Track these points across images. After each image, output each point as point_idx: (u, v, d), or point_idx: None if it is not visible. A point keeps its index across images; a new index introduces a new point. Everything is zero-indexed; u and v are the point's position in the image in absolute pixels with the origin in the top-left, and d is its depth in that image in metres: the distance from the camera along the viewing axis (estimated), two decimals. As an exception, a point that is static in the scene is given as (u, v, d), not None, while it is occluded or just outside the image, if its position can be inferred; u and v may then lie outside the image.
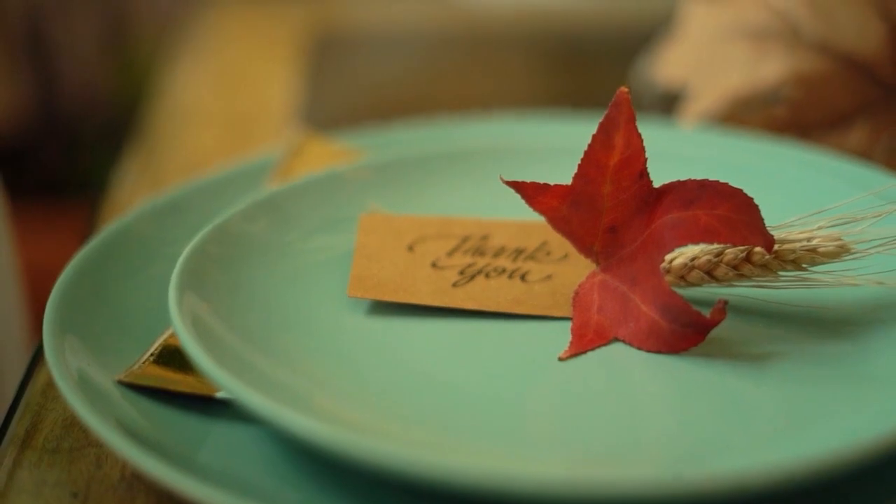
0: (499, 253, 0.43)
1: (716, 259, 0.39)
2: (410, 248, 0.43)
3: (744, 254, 0.39)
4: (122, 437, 0.33)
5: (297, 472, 0.34)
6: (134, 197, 0.56)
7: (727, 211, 0.37)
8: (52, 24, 1.55)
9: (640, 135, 0.38)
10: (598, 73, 0.77)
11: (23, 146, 1.53)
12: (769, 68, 0.51)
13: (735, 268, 0.39)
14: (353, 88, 0.76)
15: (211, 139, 0.67)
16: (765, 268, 0.39)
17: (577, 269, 0.42)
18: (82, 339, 0.38)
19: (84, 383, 0.36)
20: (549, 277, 0.42)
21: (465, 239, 0.44)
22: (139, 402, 0.36)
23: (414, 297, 0.40)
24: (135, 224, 0.44)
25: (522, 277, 0.42)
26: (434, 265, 0.42)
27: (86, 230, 0.52)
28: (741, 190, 0.37)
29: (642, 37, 0.66)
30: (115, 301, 0.41)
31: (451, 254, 0.43)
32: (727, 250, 0.39)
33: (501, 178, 0.39)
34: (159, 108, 0.73)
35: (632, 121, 0.38)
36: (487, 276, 0.42)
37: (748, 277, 0.39)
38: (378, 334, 0.39)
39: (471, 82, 0.78)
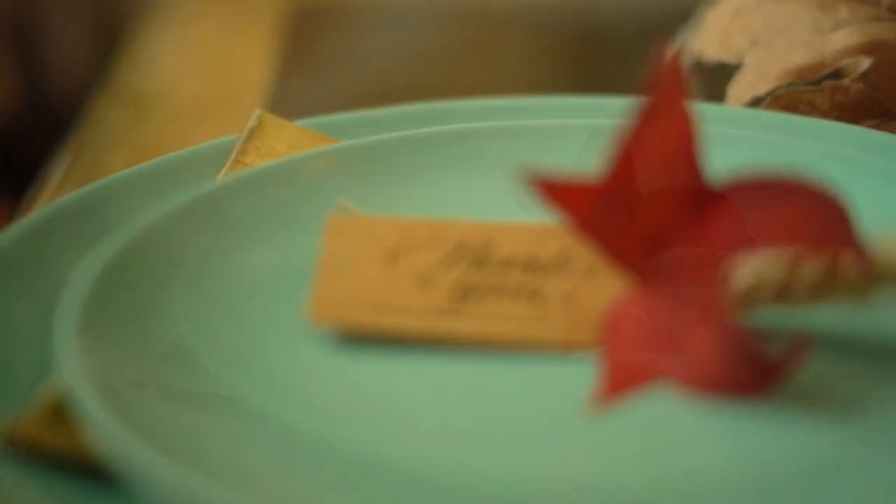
0: (504, 264, 0.35)
1: (790, 276, 0.31)
2: (391, 258, 0.35)
3: (827, 269, 0.31)
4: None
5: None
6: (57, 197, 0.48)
7: (808, 213, 0.30)
8: (39, 16, 1.53)
9: (691, 117, 0.30)
10: (619, 60, 0.70)
11: (9, 140, 1.51)
12: (839, 37, 0.44)
13: (815, 287, 0.31)
14: (337, 72, 0.69)
15: (169, 129, 0.60)
16: (854, 288, 0.31)
17: (606, 286, 0.33)
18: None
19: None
20: (568, 297, 0.34)
21: (462, 246, 0.36)
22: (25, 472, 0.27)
23: (394, 322, 0.33)
24: (33, 231, 0.35)
25: (533, 296, 0.34)
26: (421, 280, 0.34)
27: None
28: (825, 186, 0.30)
29: (678, 17, 0.60)
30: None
31: (442, 265, 0.35)
32: (805, 265, 0.31)
33: (511, 171, 0.32)
34: (111, 95, 0.65)
35: (681, 98, 0.30)
36: (488, 294, 0.34)
37: (833, 300, 0.31)
38: (347, 375, 0.31)
39: (473, 69, 0.71)
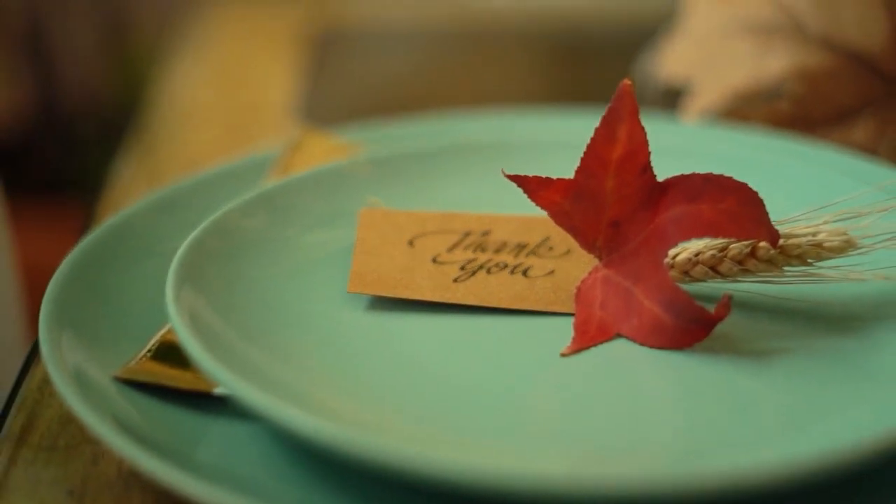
0: (500, 248, 0.43)
1: (720, 254, 0.39)
2: (411, 244, 0.43)
3: (748, 249, 0.38)
4: (118, 434, 0.33)
5: (296, 469, 0.33)
6: (130, 195, 0.55)
7: (732, 205, 0.36)
8: (52, 23, 1.55)
9: (643, 128, 0.37)
10: (601, 69, 0.76)
11: (22, 145, 1.53)
12: (773, 63, 0.51)
13: (740, 263, 0.39)
14: (354, 85, 0.76)
15: (210, 137, 0.67)
16: (770, 263, 0.38)
17: (579, 264, 0.41)
18: (79, 335, 0.38)
19: (80, 379, 0.36)
20: (551, 273, 0.41)
21: (467, 234, 0.43)
22: (136, 399, 0.36)
23: (414, 293, 0.40)
24: (132, 219, 0.44)
25: (524, 273, 0.41)
26: (435, 261, 0.42)
27: (82, 228, 0.51)
28: (746, 184, 0.36)
29: (645, 33, 0.66)
30: (113, 296, 0.40)
31: (451, 249, 0.42)
32: (732, 245, 0.39)
33: (503, 172, 0.39)
34: (158, 105, 0.72)
35: (635, 114, 0.37)
36: (489, 271, 0.41)
37: (753, 273, 0.39)
38: (378, 330, 0.38)
39: (473, 79, 0.78)
